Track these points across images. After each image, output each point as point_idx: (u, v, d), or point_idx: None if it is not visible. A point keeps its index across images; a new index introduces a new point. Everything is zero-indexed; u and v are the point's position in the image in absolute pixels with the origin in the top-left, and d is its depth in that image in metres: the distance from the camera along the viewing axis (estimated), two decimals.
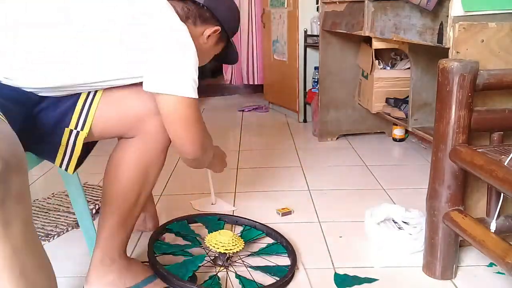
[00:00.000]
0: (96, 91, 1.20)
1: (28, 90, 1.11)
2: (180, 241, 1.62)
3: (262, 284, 1.37)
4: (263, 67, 3.96)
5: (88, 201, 1.60)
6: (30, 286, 0.80)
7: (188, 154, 1.23)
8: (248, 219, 1.74)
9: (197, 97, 1.16)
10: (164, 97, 1.14)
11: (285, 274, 1.40)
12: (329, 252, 1.59)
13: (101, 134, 1.22)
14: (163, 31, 1.14)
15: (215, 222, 1.71)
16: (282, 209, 1.89)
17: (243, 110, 3.85)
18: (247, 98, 4.37)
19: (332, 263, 1.52)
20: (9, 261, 0.77)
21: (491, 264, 1.47)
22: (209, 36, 1.32)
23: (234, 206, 1.96)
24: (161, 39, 1.13)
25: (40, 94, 1.13)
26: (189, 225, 1.69)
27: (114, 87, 1.19)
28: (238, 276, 1.41)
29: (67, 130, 1.16)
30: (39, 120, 1.14)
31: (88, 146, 1.24)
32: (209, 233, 1.58)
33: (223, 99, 4.27)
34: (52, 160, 1.19)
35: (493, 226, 1.27)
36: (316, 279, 1.44)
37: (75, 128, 1.16)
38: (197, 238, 1.60)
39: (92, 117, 1.17)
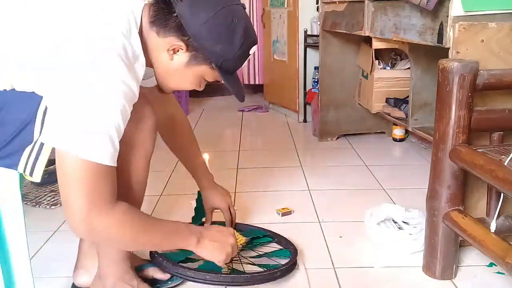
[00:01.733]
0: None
1: None
2: None
3: None
4: (263, 67, 3.96)
5: None
6: None
7: (69, 224, 0.99)
8: (257, 227, 1.70)
9: (109, 163, 0.95)
10: (61, 152, 0.95)
11: (286, 263, 1.41)
12: (329, 252, 1.59)
13: None
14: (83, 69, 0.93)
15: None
16: (282, 209, 1.89)
17: (243, 110, 3.85)
18: (247, 98, 4.35)
19: (332, 263, 1.52)
20: None
21: (491, 264, 1.47)
22: (174, 52, 1.08)
23: (234, 206, 1.96)
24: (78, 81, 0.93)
25: None
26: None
27: None
28: (232, 270, 1.42)
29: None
30: None
31: None
32: None
33: (223, 99, 4.27)
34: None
35: (493, 226, 1.27)
36: (316, 279, 1.44)
37: (24, 171, 1.05)
38: None
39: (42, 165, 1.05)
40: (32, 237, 1.72)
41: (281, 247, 1.60)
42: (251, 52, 1.14)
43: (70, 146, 0.93)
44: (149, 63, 1.10)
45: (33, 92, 1.00)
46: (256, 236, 1.63)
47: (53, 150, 1.01)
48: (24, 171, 1.04)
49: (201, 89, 1.20)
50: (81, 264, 1.39)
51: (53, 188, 2.14)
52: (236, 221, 1.68)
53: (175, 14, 1.04)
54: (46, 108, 1.00)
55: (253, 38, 1.13)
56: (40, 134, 1.01)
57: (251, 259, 1.51)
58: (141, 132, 1.15)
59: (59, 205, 2.00)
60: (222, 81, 1.15)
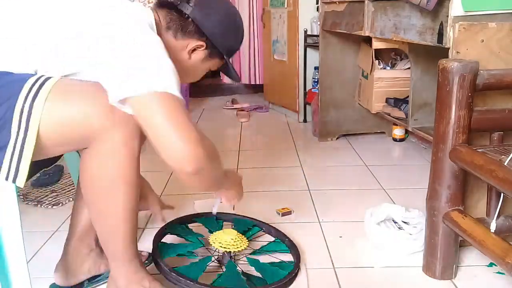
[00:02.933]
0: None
1: None
2: (183, 241, 1.62)
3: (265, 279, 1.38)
4: (263, 67, 3.96)
5: None
6: None
7: (184, 159, 0.99)
8: (241, 216, 1.73)
9: (180, 96, 1.02)
10: (138, 98, 0.99)
11: (291, 270, 1.41)
12: (329, 252, 1.59)
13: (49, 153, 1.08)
14: (130, 44, 1.02)
15: (214, 222, 1.70)
16: (282, 209, 1.89)
17: (243, 110, 3.84)
18: (248, 97, 4.37)
19: (332, 263, 1.52)
20: None
21: (491, 264, 1.47)
22: (192, 51, 1.22)
23: (233, 208, 1.96)
24: (129, 50, 1.01)
25: None
26: (188, 225, 1.68)
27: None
28: (245, 274, 1.41)
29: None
30: None
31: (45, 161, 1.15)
32: (210, 232, 1.58)
33: (223, 99, 4.27)
34: None
35: (493, 226, 1.27)
36: (316, 279, 1.44)
37: (6, 178, 1.01)
38: (199, 238, 1.60)
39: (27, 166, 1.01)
40: (32, 237, 1.73)
41: (273, 237, 1.63)
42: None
43: (152, 85, 0.98)
44: None
45: (9, 86, 1.00)
46: (246, 229, 1.65)
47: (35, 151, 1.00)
48: (7, 178, 1.01)
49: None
50: (63, 264, 1.38)
51: (53, 189, 2.15)
52: (219, 211, 1.67)
53: (189, 19, 1.18)
54: (23, 107, 0.98)
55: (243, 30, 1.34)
56: (18, 133, 0.98)
57: (249, 257, 1.51)
58: None
59: (60, 204, 2.01)
60: (222, 68, 1.31)
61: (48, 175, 2.21)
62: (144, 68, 1.00)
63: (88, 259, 1.38)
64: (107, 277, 1.32)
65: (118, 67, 1.00)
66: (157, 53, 1.03)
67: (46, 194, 2.11)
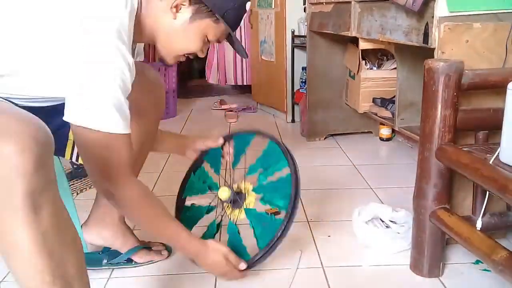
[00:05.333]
0: None
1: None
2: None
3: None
4: (251, 67, 3.97)
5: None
6: (58, 266, 0.82)
7: (105, 194, 1.08)
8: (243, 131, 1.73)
9: (123, 132, 0.99)
10: (73, 127, 0.99)
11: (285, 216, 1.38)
12: (317, 251, 1.60)
13: None
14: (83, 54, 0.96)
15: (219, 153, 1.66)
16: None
17: (231, 111, 3.84)
18: (235, 98, 4.36)
19: (321, 262, 1.53)
20: (38, 247, 0.78)
21: (477, 262, 1.49)
22: (176, 10, 1.11)
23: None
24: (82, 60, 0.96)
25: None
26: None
27: None
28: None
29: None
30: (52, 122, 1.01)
31: None
32: (216, 172, 1.60)
33: (211, 100, 4.26)
34: (62, 154, 1.27)
35: (479, 224, 1.29)
36: (305, 279, 1.44)
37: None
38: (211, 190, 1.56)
39: None
40: None
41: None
42: (247, 7, 1.20)
43: (89, 122, 0.96)
44: (148, 38, 1.17)
45: None
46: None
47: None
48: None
49: (203, 55, 1.23)
50: (88, 222, 1.50)
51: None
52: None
53: None
54: None
55: None
56: None
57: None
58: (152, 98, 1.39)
59: (85, 190, 2.13)
60: (225, 39, 1.22)
61: (81, 168, 2.23)
62: (83, 99, 0.96)
63: (108, 229, 1.47)
64: (126, 260, 1.48)
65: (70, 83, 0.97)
66: (104, 86, 0.96)
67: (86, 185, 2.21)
